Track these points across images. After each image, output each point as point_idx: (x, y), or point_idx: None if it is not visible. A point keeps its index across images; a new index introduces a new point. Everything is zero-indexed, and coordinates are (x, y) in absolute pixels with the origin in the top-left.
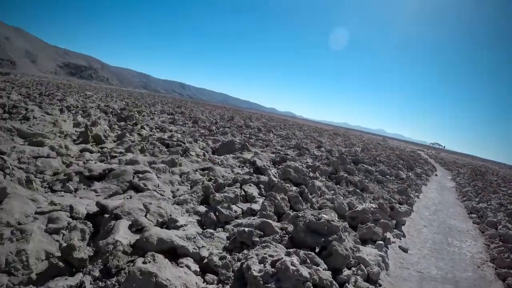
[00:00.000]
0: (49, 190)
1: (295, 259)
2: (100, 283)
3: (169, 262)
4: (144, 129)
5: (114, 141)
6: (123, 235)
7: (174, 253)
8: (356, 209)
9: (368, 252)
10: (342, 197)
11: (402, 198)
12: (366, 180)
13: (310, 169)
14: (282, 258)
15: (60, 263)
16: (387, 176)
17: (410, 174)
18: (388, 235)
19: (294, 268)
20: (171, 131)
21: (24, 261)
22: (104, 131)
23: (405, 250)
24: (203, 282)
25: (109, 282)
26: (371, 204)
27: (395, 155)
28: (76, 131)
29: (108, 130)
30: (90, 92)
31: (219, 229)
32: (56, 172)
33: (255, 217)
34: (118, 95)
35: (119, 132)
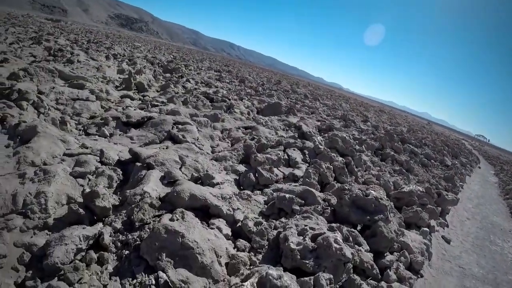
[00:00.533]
0: (83, 133)
1: (338, 236)
2: (120, 236)
3: (199, 222)
4: (190, 82)
5: (157, 91)
6: (153, 186)
7: (205, 212)
8: (403, 189)
9: (413, 238)
10: (388, 175)
11: (448, 186)
12: (412, 162)
13: (357, 142)
14: (325, 233)
15: (81, 210)
16: (432, 161)
17: (456, 162)
18: (432, 222)
19: (337, 246)
20: (217, 87)
21: (43, 204)
22: (148, 81)
23: (447, 241)
24: (234, 248)
25: (130, 237)
26: (418, 187)
27: (440, 141)
28: (119, 78)
29: (152, 80)
30: (139, 43)
31: (257, 191)
32: (93, 115)
33: (297, 184)
34: (167, 48)
35: (164, 83)
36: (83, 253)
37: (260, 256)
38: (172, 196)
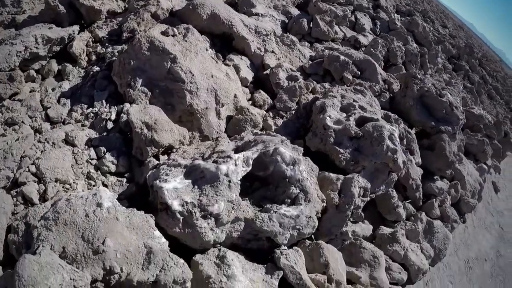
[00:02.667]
0: None
1: (396, 131)
2: (99, 48)
3: (209, 50)
4: None
5: None
6: None
7: (227, 44)
8: (472, 110)
9: (470, 171)
10: (461, 87)
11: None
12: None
13: (435, 39)
14: (379, 120)
15: (61, 7)
16: (498, 97)
17: None
18: (490, 161)
19: (391, 145)
20: None
21: None
22: None
23: (496, 190)
24: (249, 101)
25: (110, 49)
26: (488, 116)
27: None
28: None
29: None
30: None
31: (306, 43)
32: None
33: (358, 51)
34: None
35: None
36: (44, 62)
37: (280, 122)
38: (186, 9)
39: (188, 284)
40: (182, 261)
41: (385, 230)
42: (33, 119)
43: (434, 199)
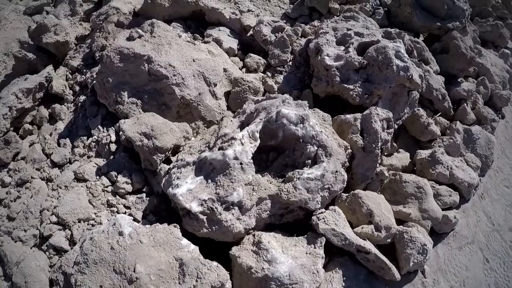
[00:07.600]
0: None
1: (401, 47)
2: (78, 77)
3: (182, 35)
4: None
5: None
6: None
7: (201, 22)
8: None
9: (493, 61)
10: None
11: None
12: None
13: None
14: (379, 41)
15: (30, 55)
16: None
17: None
18: (510, 44)
19: (400, 63)
20: None
21: None
22: None
23: None
24: (242, 69)
25: (88, 75)
26: None
27: None
28: None
29: None
30: None
31: None
32: None
33: None
34: None
35: None
36: (34, 112)
37: (280, 78)
38: (146, 5)
39: (228, 284)
40: (215, 264)
41: (423, 153)
42: (41, 171)
43: (465, 103)
